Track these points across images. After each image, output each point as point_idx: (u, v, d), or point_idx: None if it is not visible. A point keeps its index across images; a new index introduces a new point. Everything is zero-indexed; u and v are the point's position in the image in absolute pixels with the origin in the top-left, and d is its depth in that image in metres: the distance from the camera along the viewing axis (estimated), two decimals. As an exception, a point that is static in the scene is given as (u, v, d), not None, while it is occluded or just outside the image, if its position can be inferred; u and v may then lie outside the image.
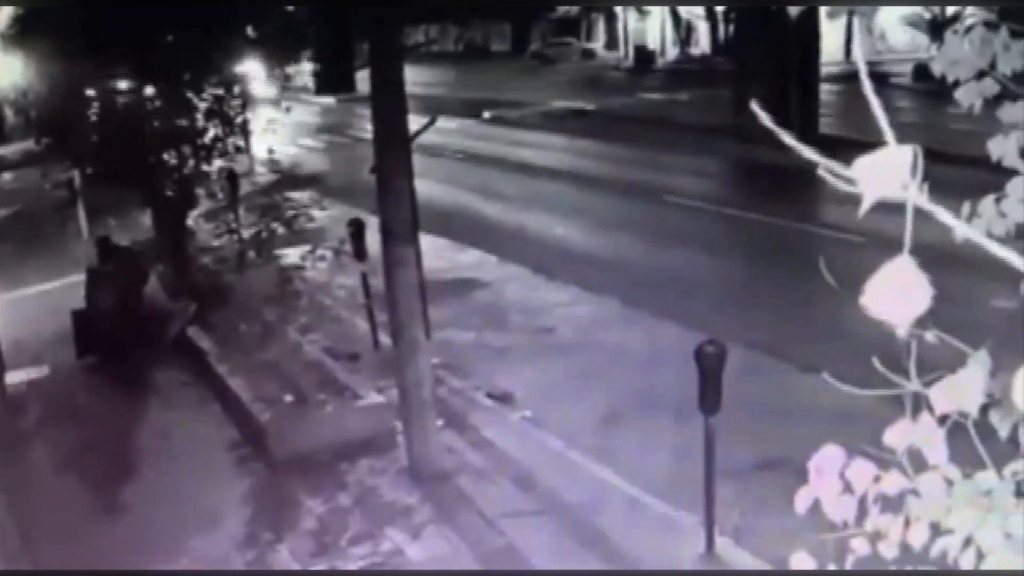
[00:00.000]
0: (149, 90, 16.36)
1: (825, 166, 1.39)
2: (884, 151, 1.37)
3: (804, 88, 29.21)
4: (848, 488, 2.12)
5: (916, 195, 1.39)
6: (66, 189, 21.08)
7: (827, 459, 2.14)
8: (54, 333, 14.76)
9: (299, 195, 15.98)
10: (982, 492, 2.08)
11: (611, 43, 73.90)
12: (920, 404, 2.08)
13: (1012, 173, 2.96)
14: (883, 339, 1.76)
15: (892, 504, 2.16)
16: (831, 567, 2.29)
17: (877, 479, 2.12)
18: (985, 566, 2.01)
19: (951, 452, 2.13)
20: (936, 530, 2.10)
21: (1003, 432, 2.27)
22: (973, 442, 2.17)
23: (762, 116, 1.47)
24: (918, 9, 44.13)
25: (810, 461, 2.17)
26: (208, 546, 9.19)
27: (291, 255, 14.20)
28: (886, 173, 1.37)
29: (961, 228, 1.51)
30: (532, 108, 42.21)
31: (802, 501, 2.19)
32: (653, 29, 69.25)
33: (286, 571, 8.96)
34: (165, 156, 16.55)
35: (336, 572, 8.83)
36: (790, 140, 1.42)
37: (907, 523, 2.14)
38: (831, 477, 2.13)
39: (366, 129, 10.17)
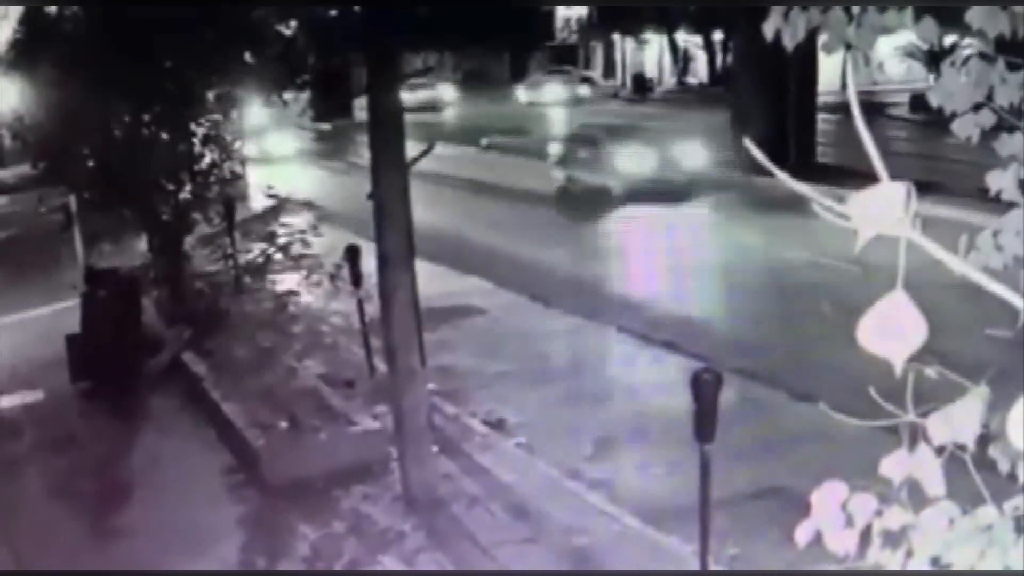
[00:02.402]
0: (146, 115, 16.36)
1: (820, 202, 1.38)
2: (878, 187, 1.37)
3: (801, 117, 29.28)
4: (850, 521, 2.11)
5: (910, 230, 1.39)
6: (62, 214, 21.04)
7: (829, 492, 2.13)
8: (49, 358, 14.71)
9: (295, 221, 15.92)
10: (982, 528, 2.06)
11: (609, 71, 74.09)
12: (917, 435, 2.07)
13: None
14: (879, 369, 1.75)
15: (892, 537, 2.14)
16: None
17: (879, 513, 2.11)
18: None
19: (950, 486, 2.11)
20: (936, 564, 2.09)
21: (1003, 466, 2.25)
22: (972, 475, 2.15)
23: (755, 151, 1.47)
24: (914, 39, 44.29)
25: (812, 494, 2.15)
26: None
27: (287, 281, 14.16)
28: (880, 209, 1.36)
29: (956, 263, 1.50)
30: (530, 136, 42.24)
31: (803, 534, 2.17)
32: (651, 58, 69.49)
33: (286, 571, 8.94)
34: (161, 181, 16.53)
35: (335, 572, 8.81)
36: (783, 175, 1.41)
37: (908, 556, 2.12)
38: (833, 510, 2.11)
39: (363, 156, 10.18)
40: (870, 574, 2.18)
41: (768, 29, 2.96)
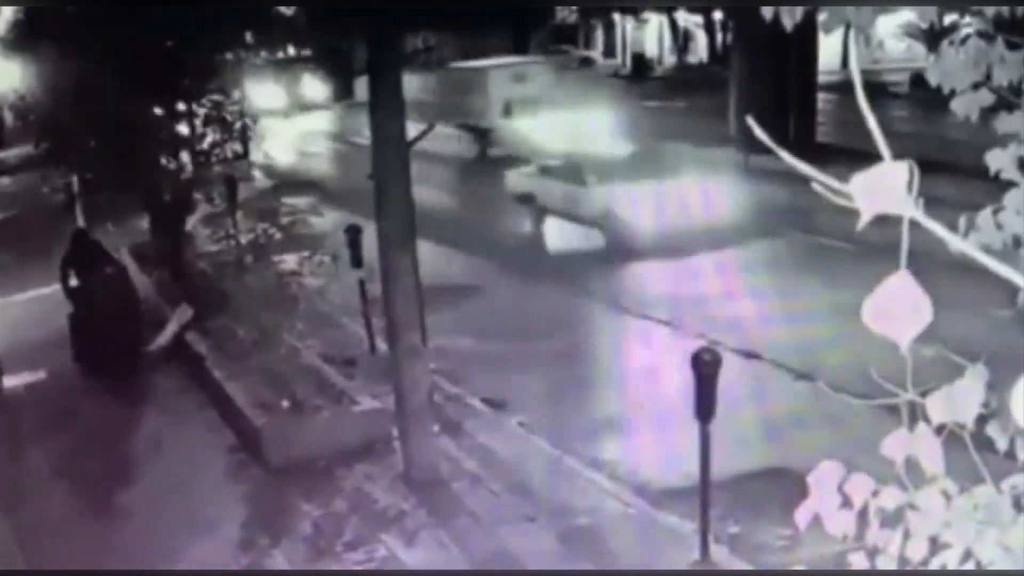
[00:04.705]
0: (148, 96, 16.33)
1: (821, 181, 1.39)
2: (880, 167, 1.37)
3: (801, 97, 29.16)
4: (847, 502, 2.11)
5: (912, 210, 1.39)
6: (64, 193, 21.05)
7: (826, 473, 2.13)
8: (52, 337, 14.71)
9: (297, 200, 15.93)
10: (980, 506, 2.07)
11: (609, 51, 73.81)
12: (917, 415, 2.08)
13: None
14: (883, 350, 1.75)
15: (891, 518, 2.15)
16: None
17: (875, 493, 2.11)
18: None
19: (948, 465, 2.12)
20: (935, 544, 2.10)
21: (1001, 445, 2.26)
22: (971, 455, 2.16)
23: (757, 129, 1.47)
24: (914, 18, 44.05)
25: (809, 476, 2.16)
26: (204, 551, 9.17)
27: (288, 261, 14.14)
28: (883, 189, 1.37)
29: (957, 242, 1.51)
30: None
31: (802, 516, 2.18)
32: (651, 37, 69.23)
33: (286, 571, 8.97)
34: (163, 161, 16.52)
35: (336, 572, 8.84)
36: (785, 154, 1.41)
37: (906, 537, 2.13)
38: (830, 491, 2.12)
39: (364, 135, 10.17)
40: (877, 574, 2.20)
41: (767, 10, 2.96)
